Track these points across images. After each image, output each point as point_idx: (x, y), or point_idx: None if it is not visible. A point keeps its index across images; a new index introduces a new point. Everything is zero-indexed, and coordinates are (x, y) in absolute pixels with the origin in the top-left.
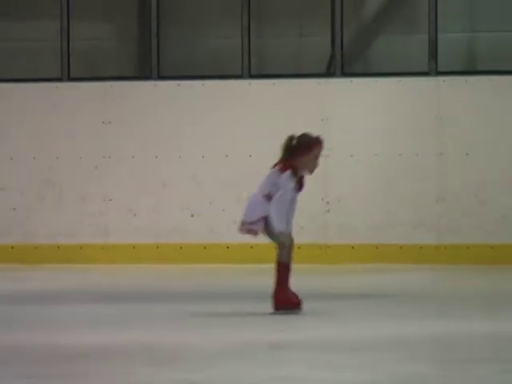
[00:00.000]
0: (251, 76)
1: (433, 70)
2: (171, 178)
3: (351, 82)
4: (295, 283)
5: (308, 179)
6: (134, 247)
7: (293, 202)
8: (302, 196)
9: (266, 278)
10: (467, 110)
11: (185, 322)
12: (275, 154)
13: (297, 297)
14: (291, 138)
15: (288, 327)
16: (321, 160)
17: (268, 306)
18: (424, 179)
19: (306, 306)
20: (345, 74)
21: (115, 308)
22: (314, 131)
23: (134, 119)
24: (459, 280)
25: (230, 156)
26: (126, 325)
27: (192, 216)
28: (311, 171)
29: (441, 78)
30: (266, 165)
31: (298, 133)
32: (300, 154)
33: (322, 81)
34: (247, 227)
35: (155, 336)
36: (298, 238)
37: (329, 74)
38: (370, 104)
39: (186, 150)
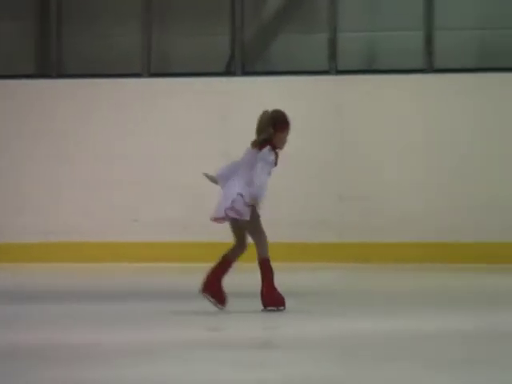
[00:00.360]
0: (151, 74)
1: (333, 68)
2: (67, 178)
3: (252, 80)
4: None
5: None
6: (22, 246)
7: (269, 176)
8: (204, 192)
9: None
10: (367, 108)
11: (83, 321)
12: (176, 153)
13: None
14: (267, 114)
15: (200, 326)
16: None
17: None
18: (324, 177)
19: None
20: (245, 73)
21: (12, 307)
22: (215, 130)
23: (27, 117)
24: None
25: (130, 155)
26: (23, 325)
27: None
28: (282, 148)
29: (340, 77)
30: (167, 163)
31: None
32: (279, 129)
33: (223, 79)
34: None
35: (53, 336)
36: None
37: (229, 72)
38: (271, 103)
39: (86, 149)
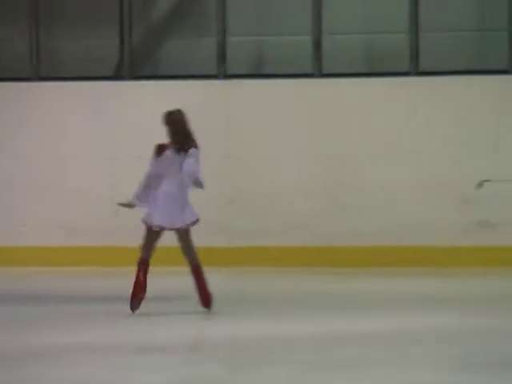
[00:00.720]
0: (41, 78)
1: (221, 72)
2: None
3: (140, 84)
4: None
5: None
6: None
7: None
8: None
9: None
10: (256, 112)
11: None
12: (65, 155)
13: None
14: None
15: (81, 329)
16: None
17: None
18: (215, 182)
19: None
20: (134, 77)
21: None
22: (106, 134)
23: None
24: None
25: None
26: None
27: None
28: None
29: (230, 81)
30: (50, 165)
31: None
32: None
33: (112, 84)
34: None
35: None
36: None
37: (118, 76)
38: (159, 107)
39: None
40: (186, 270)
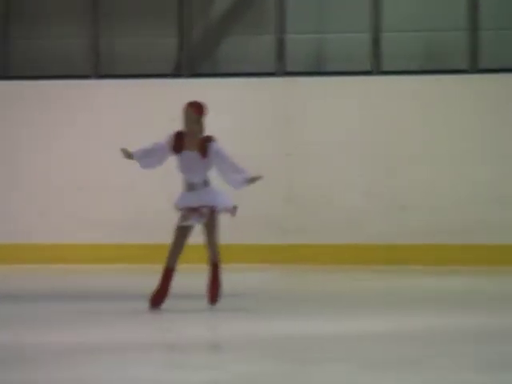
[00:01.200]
0: (100, 76)
1: (280, 70)
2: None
3: (199, 82)
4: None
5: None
6: None
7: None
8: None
9: (113, 278)
10: (315, 111)
11: (25, 323)
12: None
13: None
14: None
15: (128, 328)
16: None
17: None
18: (272, 179)
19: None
20: (193, 75)
21: None
22: (163, 131)
23: None
24: (305, 280)
25: (75, 157)
26: None
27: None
28: (187, 135)
29: (288, 79)
30: (117, 166)
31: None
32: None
33: (170, 81)
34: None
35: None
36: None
37: (177, 74)
38: (218, 105)
39: (25, 151)
40: (228, 267)
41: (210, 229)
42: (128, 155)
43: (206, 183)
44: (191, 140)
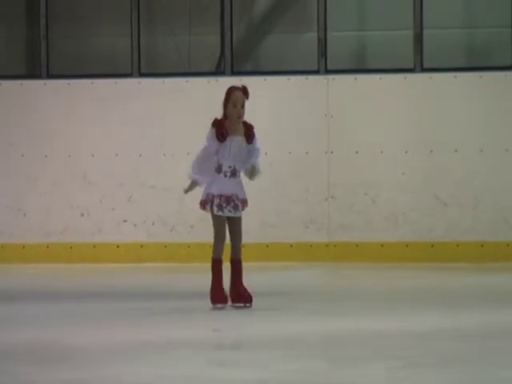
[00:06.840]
0: (141, 75)
1: (322, 68)
2: (61, 177)
3: (241, 80)
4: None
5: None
6: (23, 247)
7: (218, 152)
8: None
9: (154, 277)
10: (357, 108)
11: (75, 321)
12: (165, 153)
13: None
14: None
15: (178, 326)
16: None
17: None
18: (314, 177)
19: (197, 303)
20: (234, 73)
21: (4, 307)
22: (203, 130)
23: (22, 118)
24: (349, 278)
25: (120, 155)
26: (15, 325)
27: (82, 215)
28: (234, 119)
29: (330, 77)
30: (156, 163)
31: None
32: (224, 105)
33: (212, 79)
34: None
35: (44, 336)
36: (189, 238)
37: (218, 72)
38: (260, 102)
39: (76, 149)
40: (278, 265)
41: (239, 222)
42: (193, 187)
43: (240, 171)
44: (234, 125)
